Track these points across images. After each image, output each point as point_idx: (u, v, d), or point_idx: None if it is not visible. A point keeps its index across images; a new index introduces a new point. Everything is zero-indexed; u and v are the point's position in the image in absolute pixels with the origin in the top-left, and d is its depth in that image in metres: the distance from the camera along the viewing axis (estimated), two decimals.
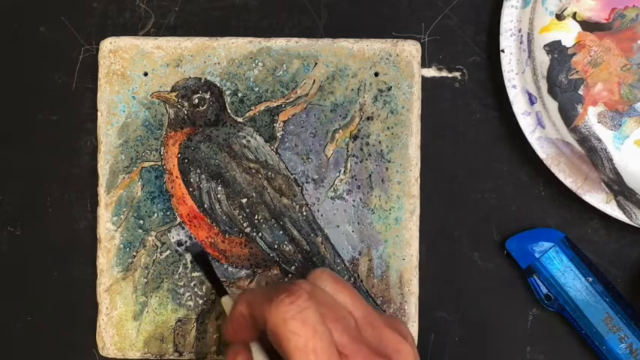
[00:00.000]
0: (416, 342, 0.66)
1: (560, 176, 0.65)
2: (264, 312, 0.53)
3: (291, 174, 0.66)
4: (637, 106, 0.65)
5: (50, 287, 0.68)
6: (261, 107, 0.66)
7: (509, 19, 0.65)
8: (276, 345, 0.53)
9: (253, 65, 0.66)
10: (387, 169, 0.66)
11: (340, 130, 0.66)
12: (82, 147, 0.67)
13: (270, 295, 0.53)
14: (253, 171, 0.66)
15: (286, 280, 0.66)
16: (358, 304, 0.56)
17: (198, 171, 0.65)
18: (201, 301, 0.66)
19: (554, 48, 0.65)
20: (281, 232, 0.66)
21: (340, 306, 0.55)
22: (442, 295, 0.68)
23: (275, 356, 0.55)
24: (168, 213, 0.66)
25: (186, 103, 0.66)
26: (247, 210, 0.65)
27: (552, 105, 0.65)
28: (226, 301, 0.62)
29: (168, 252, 0.66)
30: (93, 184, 0.66)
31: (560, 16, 0.65)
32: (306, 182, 0.66)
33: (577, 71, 0.65)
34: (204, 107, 0.66)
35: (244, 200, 0.65)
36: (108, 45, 0.66)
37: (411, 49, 0.66)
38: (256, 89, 0.66)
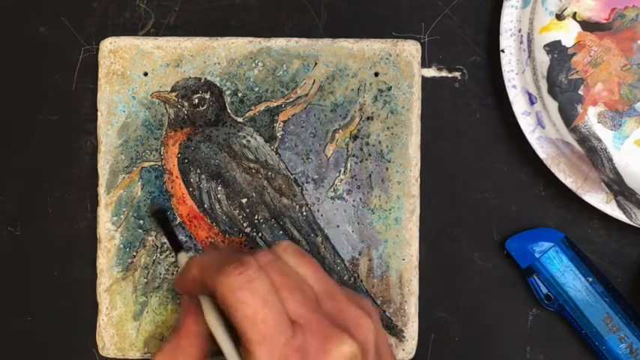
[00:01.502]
0: (416, 342, 0.66)
1: (560, 176, 0.65)
2: (214, 280, 0.53)
3: (291, 174, 0.66)
4: (637, 106, 0.65)
5: (50, 287, 0.68)
6: (261, 107, 0.66)
7: (509, 19, 0.65)
8: (227, 313, 0.53)
9: (253, 65, 0.66)
10: (387, 169, 0.66)
11: (340, 130, 0.66)
12: (82, 147, 0.67)
13: (222, 264, 0.53)
14: (253, 171, 0.66)
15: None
16: (319, 276, 0.56)
17: (198, 171, 0.65)
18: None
19: (554, 48, 0.65)
20: (281, 232, 0.66)
21: (300, 278, 0.55)
22: (442, 295, 0.68)
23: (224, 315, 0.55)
24: (169, 213, 0.66)
25: (186, 103, 0.66)
26: (247, 210, 0.65)
27: (552, 105, 0.65)
28: (182, 258, 0.61)
29: (168, 252, 0.66)
30: (93, 184, 0.66)
31: (560, 16, 0.65)
32: (306, 182, 0.66)
33: (577, 71, 0.65)
34: (204, 107, 0.66)
35: (244, 200, 0.65)
36: (108, 45, 0.66)
37: (411, 49, 0.66)
38: (256, 89, 0.66)
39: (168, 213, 0.65)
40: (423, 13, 0.67)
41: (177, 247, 0.62)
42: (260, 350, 0.51)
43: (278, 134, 0.66)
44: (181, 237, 0.65)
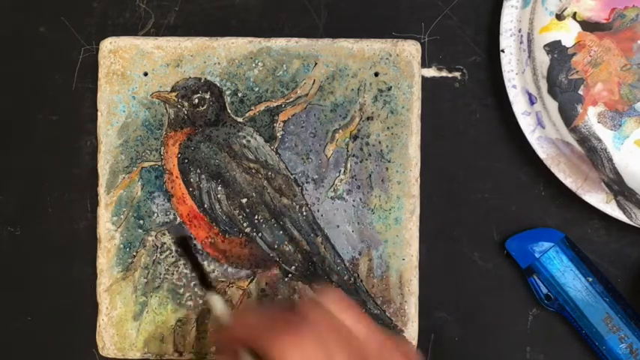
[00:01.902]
0: (416, 342, 0.66)
1: (560, 176, 0.65)
2: (263, 341, 0.53)
3: (291, 174, 0.66)
4: (637, 106, 0.65)
5: (50, 287, 0.68)
6: (261, 107, 0.66)
7: (509, 19, 0.65)
8: None
9: (253, 65, 0.66)
10: (387, 169, 0.66)
11: (340, 130, 0.66)
12: (82, 147, 0.67)
13: (270, 324, 0.53)
14: (253, 171, 0.66)
15: (285, 280, 0.66)
16: (365, 323, 0.55)
17: (198, 171, 0.65)
18: (201, 301, 0.66)
19: (554, 48, 0.65)
20: (281, 232, 0.66)
21: (345, 328, 0.55)
22: (442, 295, 0.68)
23: None
24: (169, 213, 0.66)
25: (186, 103, 0.66)
26: (247, 210, 0.65)
27: (552, 105, 0.65)
28: (215, 301, 0.61)
29: (168, 252, 0.66)
30: (93, 184, 0.66)
31: (560, 16, 0.65)
32: (306, 182, 0.66)
33: (577, 71, 0.65)
34: (204, 107, 0.66)
35: (244, 200, 0.65)
36: (108, 45, 0.66)
37: (411, 49, 0.66)
38: (256, 89, 0.66)
39: (166, 254, 0.66)
40: (423, 13, 0.67)
41: (207, 285, 0.62)
42: None
43: (278, 134, 0.66)
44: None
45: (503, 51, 0.65)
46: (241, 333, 0.56)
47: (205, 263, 0.66)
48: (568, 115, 0.65)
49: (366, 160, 0.66)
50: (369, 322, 0.56)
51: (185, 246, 0.65)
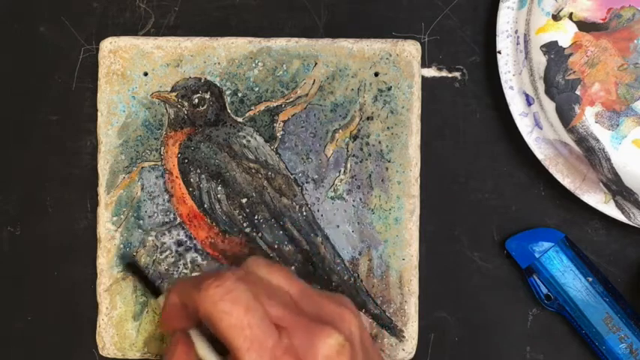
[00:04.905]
0: (416, 342, 0.66)
1: (558, 177, 0.66)
2: (195, 299, 0.53)
3: (291, 174, 0.66)
4: (634, 105, 0.65)
5: (50, 287, 0.67)
6: (261, 107, 0.66)
7: (506, 20, 0.66)
8: (212, 329, 0.53)
9: (253, 65, 0.66)
10: (387, 169, 0.66)
11: (340, 130, 0.66)
12: (82, 147, 0.67)
13: (199, 282, 0.54)
14: (253, 171, 0.65)
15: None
16: (292, 281, 0.56)
17: (198, 171, 0.65)
18: None
19: (551, 49, 0.65)
20: (281, 232, 0.65)
21: (274, 285, 0.55)
22: (442, 295, 0.68)
23: (217, 343, 0.56)
24: (169, 213, 0.66)
25: (186, 103, 0.66)
26: (247, 210, 0.65)
27: (550, 106, 0.65)
28: (162, 299, 0.62)
29: (168, 252, 0.66)
30: (93, 184, 0.66)
31: (556, 17, 0.65)
32: (306, 182, 0.66)
33: (574, 71, 0.65)
34: (204, 107, 0.66)
35: (244, 200, 0.65)
36: (108, 45, 0.66)
37: (411, 49, 0.66)
38: (256, 89, 0.66)
39: (136, 259, 0.65)
40: (423, 13, 0.68)
41: (156, 293, 0.63)
42: (250, 356, 0.51)
43: (278, 134, 0.66)
44: (181, 237, 0.65)
45: (499, 52, 0.66)
46: (175, 298, 0.56)
47: (205, 263, 0.66)
48: (565, 116, 0.65)
49: (366, 160, 0.66)
50: (296, 278, 0.57)
51: (135, 268, 0.65)
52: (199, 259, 0.66)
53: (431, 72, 0.67)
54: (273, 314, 0.53)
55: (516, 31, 0.66)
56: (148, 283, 0.64)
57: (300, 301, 0.55)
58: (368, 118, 0.66)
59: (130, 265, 0.65)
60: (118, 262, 0.65)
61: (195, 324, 0.57)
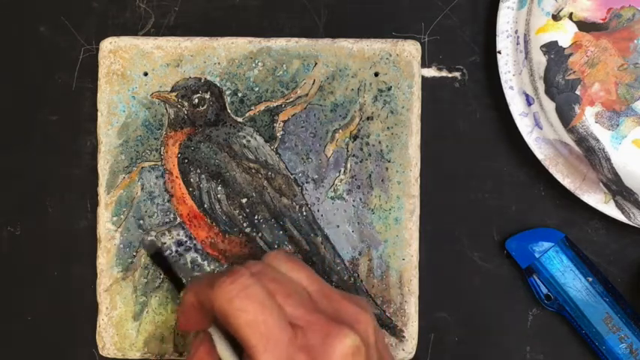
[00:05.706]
0: (416, 342, 0.66)
1: (558, 177, 0.66)
2: (210, 296, 0.53)
3: (291, 174, 0.66)
4: (634, 105, 0.65)
5: (50, 287, 0.67)
6: (261, 107, 0.66)
7: (506, 20, 0.66)
8: (228, 326, 0.53)
9: (253, 65, 0.66)
10: (387, 169, 0.66)
11: (340, 130, 0.66)
12: (82, 147, 0.67)
13: (214, 280, 0.53)
14: (253, 171, 0.65)
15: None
16: (313, 278, 0.56)
17: (198, 171, 0.65)
18: None
19: (551, 49, 0.65)
20: (281, 232, 0.65)
21: (294, 282, 0.55)
22: (442, 295, 0.68)
23: (232, 340, 0.55)
24: (169, 213, 0.66)
25: (186, 103, 0.66)
26: (247, 210, 0.65)
27: (549, 106, 0.65)
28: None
29: (168, 252, 0.66)
30: (93, 184, 0.66)
31: (556, 17, 0.65)
32: (306, 182, 0.66)
33: (574, 71, 0.65)
34: (204, 107, 0.66)
35: (244, 200, 0.65)
36: (108, 45, 0.66)
37: (411, 49, 0.66)
38: (256, 89, 0.66)
39: (166, 253, 0.65)
40: (423, 13, 0.68)
41: (179, 285, 0.62)
42: (265, 355, 0.51)
43: (278, 134, 0.66)
44: (181, 237, 0.65)
45: (499, 52, 0.66)
46: (191, 297, 0.56)
47: (205, 263, 0.66)
48: (565, 116, 0.65)
49: (366, 160, 0.66)
50: (316, 276, 0.56)
51: (161, 258, 0.64)
52: (199, 259, 0.66)
53: (431, 72, 0.67)
54: (290, 313, 0.53)
55: (516, 31, 0.66)
56: (172, 275, 0.63)
57: (318, 300, 0.55)
58: (368, 118, 0.66)
59: (156, 256, 0.64)
60: (143, 251, 0.65)
61: (212, 322, 0.57)
